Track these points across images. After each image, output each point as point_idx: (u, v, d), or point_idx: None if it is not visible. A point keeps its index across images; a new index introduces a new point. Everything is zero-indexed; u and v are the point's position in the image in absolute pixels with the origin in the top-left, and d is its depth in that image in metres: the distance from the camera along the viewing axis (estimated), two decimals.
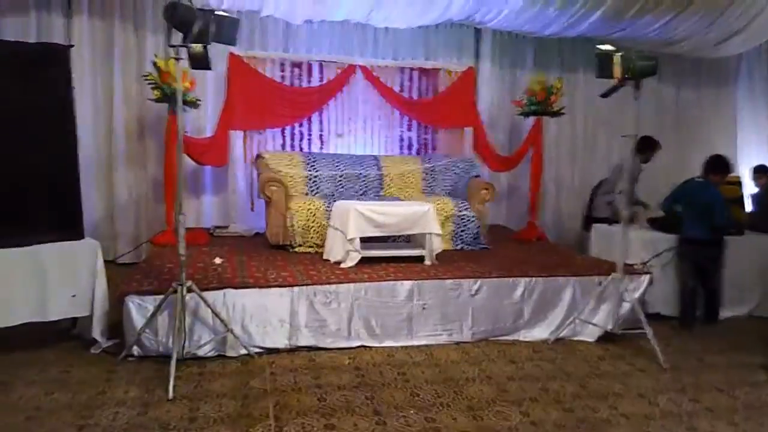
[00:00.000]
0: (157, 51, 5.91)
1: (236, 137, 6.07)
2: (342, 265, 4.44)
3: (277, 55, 6.30)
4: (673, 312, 4.94)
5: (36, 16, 5.92)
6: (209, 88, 6.29)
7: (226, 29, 3.74)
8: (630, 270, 4.49)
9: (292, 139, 6.29)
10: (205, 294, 3.65)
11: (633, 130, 4.20)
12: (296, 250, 5.03)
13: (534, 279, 4.36)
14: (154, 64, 5.25)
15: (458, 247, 5.40)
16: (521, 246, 5.74)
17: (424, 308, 4.10)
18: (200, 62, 3.69)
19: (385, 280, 4.10)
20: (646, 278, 4.59)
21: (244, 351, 3.72)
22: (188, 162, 5.85)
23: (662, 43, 6.63)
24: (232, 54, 6.05)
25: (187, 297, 3.55)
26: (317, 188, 5.69)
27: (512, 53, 7.22)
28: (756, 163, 6.86)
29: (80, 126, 5.92)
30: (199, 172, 6.28)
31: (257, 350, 3.77)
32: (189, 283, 3.50)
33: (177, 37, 3.45)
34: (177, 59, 3.51)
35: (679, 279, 4.93)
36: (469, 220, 5.43)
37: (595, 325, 4.33)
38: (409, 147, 6.69)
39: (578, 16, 6.04)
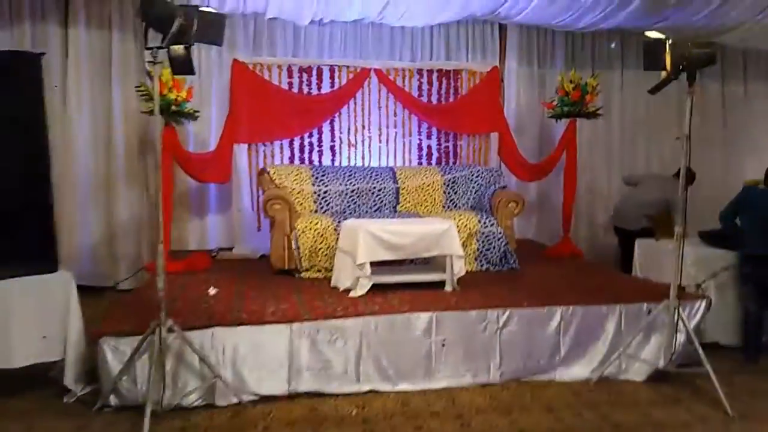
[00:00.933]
0: None
1: (241, 151, 5.61)
2: (351, 294, 3.94)
3: (285, 60, 5.83)
4: (734, 341, 4.29)
5: (30, 27, 5.58)
6: (214, 99, 5.89)
7: (211, 27, 3.28)
8: (684, 294, 3.88)
9: (301, 151, 5.80)
10: (191, 333, 3.20)
11: (682, 131, 3.56)
12: (302, 275, 4.54)
13: (572, 307, 3.78)
14: (148, 73, 4.84)
15: (483, 268, 4.85)
16: (554, 265, 5.14)
17: (443, 345, 3.56)
18: (182, 66, 3.22)
19: (399, 312, 3.57)
20: (702, 303, 3.97)
21: (236, 399, 3.24)
22: (191, 179, 5.47)
23: (708, 33, 5.96)
24: (236, 60, 5.63)
25: (170, 338, 3.09)
26: (327, 205, 5.20)
27: (541, 50, 6.64)
28: None
29: (77, 142, 5.70)
30: (204, 190, 5.86)
31: (252, 398, 3.28)
32: (170, 322, 3.04)
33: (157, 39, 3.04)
34: (154, 62, 3.06)
35: (740, 303, 4.29)
36: (495, 237, 4.87)
37: (644, 361, 3.73)
38: (429, 156, 6.13)
39: (615, 5, 5.42)
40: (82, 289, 5.22)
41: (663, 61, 3.45)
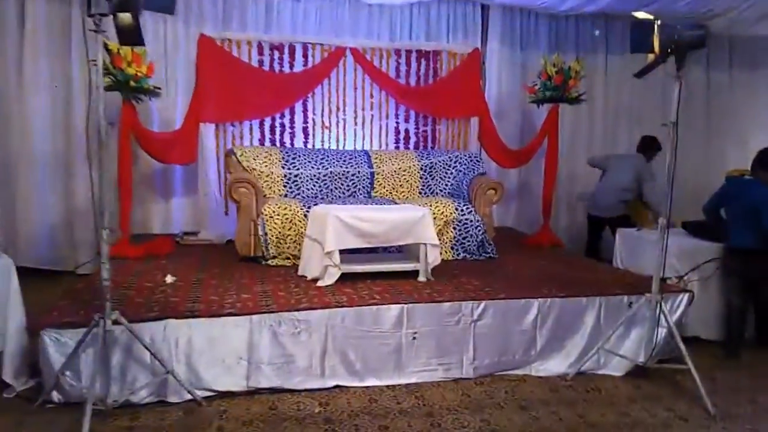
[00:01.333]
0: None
1: (208, 131, 5.32)
2: (319, 283, 3.72)
3: (255, 36, 5.54)
4: (715, 335, 4.16)
5: None
6: (180, 75, 5.58)
7: None
8: (666, 287, 3.73)
9: (272, 133, 5.53)
10: (142, 326, 2.97)
11: (668, 117, 3.37)
12: (269, 263, 4.31)
13: (550, 300, 3.60)
14: (105, 46, 4.52)
15: (460, 257, 4.67)
16: (533, 254, 4.97)
17: (414, 338, 3.36)
18: (130, 36, 2.93)
19: (367, 304, 3.36)
20: (684, 297, 3.82)
21: (189, 396, 3.01)
22: (154, 160, 5.18)
23: (694, 19, 5.79)
24: (203, 35, 5.33)
25: (118, 330, 2.86)
26: (298, 189, 4.96)
27: (524, 33, 6.40)
28: None
29: (35, 120, 5.37)
30: (170, 171, 5.58)
31: (207, 394, 3.06)
32: (115, 314, 2.80)
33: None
34: (97, 32, 2.79)
35: (723, 296, 4.16)
36: (473, 225, 4.68)
37: (623, 356, 3.57)
38: (406, 140, 5.91)
39: None
40: (40, 273, 5.06)
41: (651, 43, 3.26)
